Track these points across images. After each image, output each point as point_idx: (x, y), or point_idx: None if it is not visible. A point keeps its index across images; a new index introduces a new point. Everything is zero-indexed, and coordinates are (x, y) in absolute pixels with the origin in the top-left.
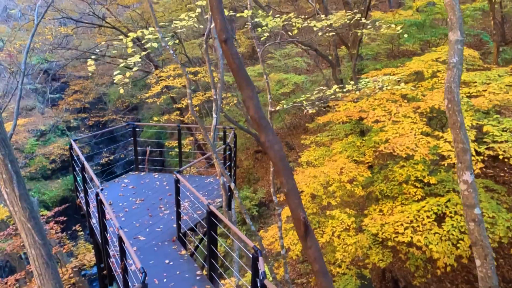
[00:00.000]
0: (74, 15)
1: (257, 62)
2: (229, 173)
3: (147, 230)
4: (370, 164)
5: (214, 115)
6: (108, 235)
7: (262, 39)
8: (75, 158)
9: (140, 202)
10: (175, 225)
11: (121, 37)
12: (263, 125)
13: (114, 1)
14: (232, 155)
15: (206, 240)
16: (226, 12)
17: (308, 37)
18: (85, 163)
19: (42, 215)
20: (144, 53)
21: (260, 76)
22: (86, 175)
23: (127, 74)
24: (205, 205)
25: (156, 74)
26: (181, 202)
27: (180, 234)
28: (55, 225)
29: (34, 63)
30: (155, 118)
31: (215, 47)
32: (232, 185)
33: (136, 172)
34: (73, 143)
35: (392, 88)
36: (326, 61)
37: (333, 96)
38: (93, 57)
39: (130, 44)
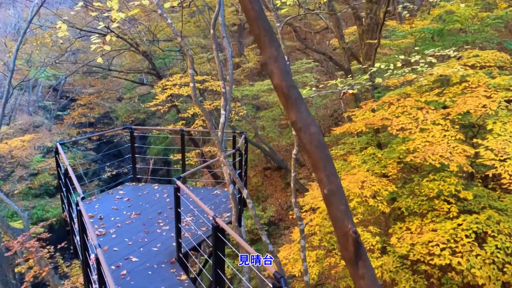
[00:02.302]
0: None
1: (266, 77)
2: None
3: (141, 249)
4: (393, 177)
5: (222, 112)
6: (92, 255)
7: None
8: (61, 165)
9: (135, 216)
10: (174, 244)
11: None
12: (293, 97)
13: (118, 9)
14: (243, 162)
15: (211, 262)
16: (236, 21)
17: (321, 48)
18: (69, 168)
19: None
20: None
21: (270, 91)
22: (69, 184)
23: (107, 38)
24: (211, 218)
25: (162, 83)
26: (182, 216)
27: (180, 255)
28: (36, 242)
29: (42, 79)
30: (158, 128)
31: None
32: (245, 193)
33: (134, 183)
34: (59, 147)
35: (416, 94)
36: (336, 75)
37: (378, 81)
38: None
39: (116, 6)
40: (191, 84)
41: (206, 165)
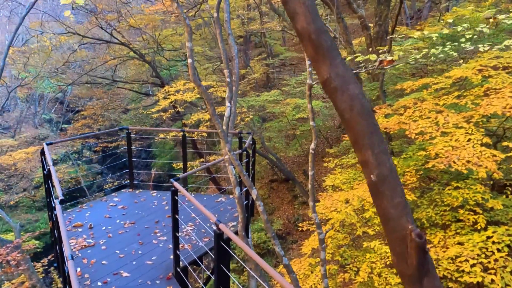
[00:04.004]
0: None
1: (272, 89)
2: (245, 188)
3: (134, 263)
4: (411, 186)
5: (227, 104)
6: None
7: None
8: (46, 168)
9: (129, 225)
10: (172, 257)
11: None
12: (324, 45)
13: (122, 19)
14: (251, 165)
15: (214, 278)
16: (242, 33)
17: None
18: (52, 168)
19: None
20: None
21: (276, 102)
22: (51, 187)
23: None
24: (213, 224)
25: (165, 90)
26: (182, 225)
27: (178, 270)
28: (19, 255)
29: (48, 91)
30: (161, 135)
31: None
32: (254, 194)
33: (130, 190)
34: (45, 147)
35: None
36: None
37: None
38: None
39: None
40: (189, 60)
41: (210, 164)
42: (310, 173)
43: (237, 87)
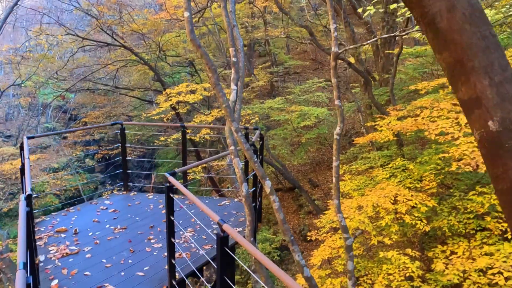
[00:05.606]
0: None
1: (276, 97)
2: (254, 188)
3: (122, 274)
4: (431, 192)
5: (233, 86)
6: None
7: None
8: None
9: (120, 231)
10: (167, 267)
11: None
12: None
13: (124, 22)
14: (258, 162)
15: None
16: (246, 41)
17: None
18: (27, 161)
19: None
20: None
21: (280, 110)
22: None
23: None
24: (216, 225)
25: (166, 92)
26: (180, 231)
27: (174, 282)
28: None
29: (50, 98)
30: (162, 138)
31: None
32: (268, 186)
33: (124, 192)
34: (25, 141)
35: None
36: (348, 95)
37: None
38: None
39: None
40: (186, 14)
41: (214, 158)
42: (335, 163)
43: (242, 83)
